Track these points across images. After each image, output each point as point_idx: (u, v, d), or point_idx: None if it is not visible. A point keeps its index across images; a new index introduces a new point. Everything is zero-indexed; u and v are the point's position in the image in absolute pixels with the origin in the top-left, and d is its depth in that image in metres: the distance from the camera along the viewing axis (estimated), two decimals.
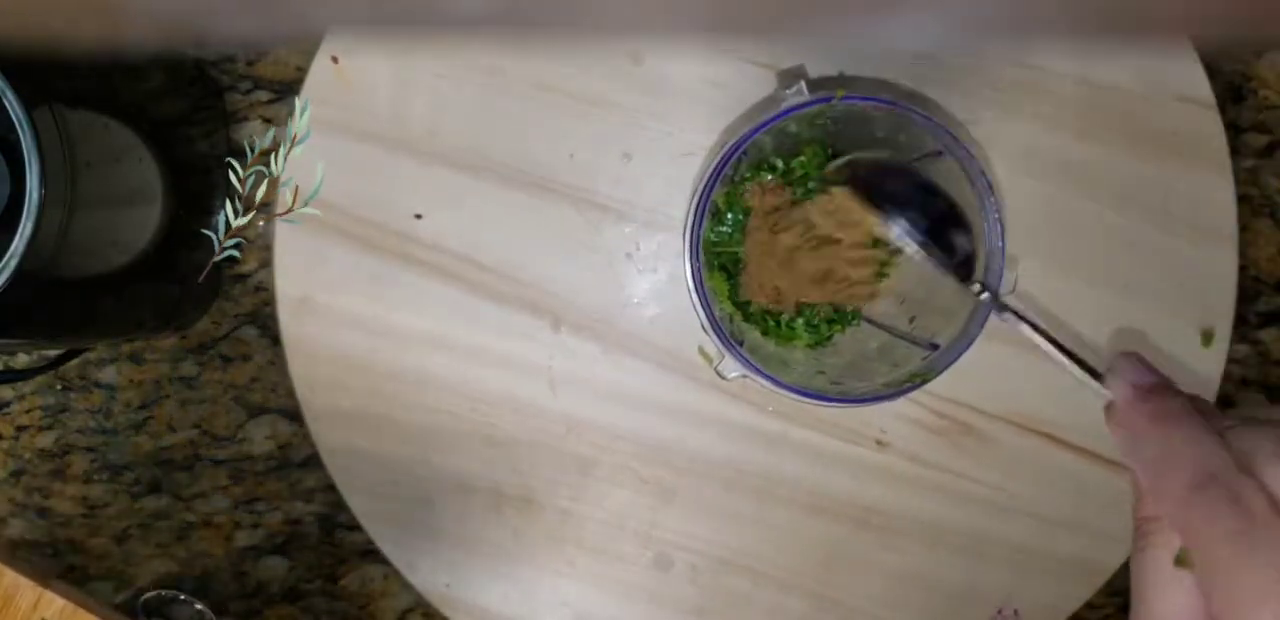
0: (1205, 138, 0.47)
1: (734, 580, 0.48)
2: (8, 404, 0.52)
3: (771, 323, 0.46)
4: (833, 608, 0.48)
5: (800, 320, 0.46)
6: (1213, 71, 0.47)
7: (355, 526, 0.49)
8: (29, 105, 0.35)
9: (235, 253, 0.46)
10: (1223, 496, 0.28)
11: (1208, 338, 0.47)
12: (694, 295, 0.40)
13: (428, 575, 0.48)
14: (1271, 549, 0.26)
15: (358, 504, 0.47)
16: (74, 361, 0.51)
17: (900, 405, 0.47)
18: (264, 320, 0.51)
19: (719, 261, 0.46)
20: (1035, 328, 0.38)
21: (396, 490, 0.47)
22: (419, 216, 0.47)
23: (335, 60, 0.46)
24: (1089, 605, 0.48)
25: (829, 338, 0.46)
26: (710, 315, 0.40)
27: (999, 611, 0.48)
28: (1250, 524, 0.27)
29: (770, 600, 0.48)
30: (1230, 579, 0.27)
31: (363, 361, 0.47)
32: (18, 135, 0.35)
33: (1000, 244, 0.40)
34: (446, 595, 0.48)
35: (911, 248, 0.40)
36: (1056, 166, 0.47)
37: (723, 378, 0.40)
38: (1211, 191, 0.47)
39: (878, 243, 0.44)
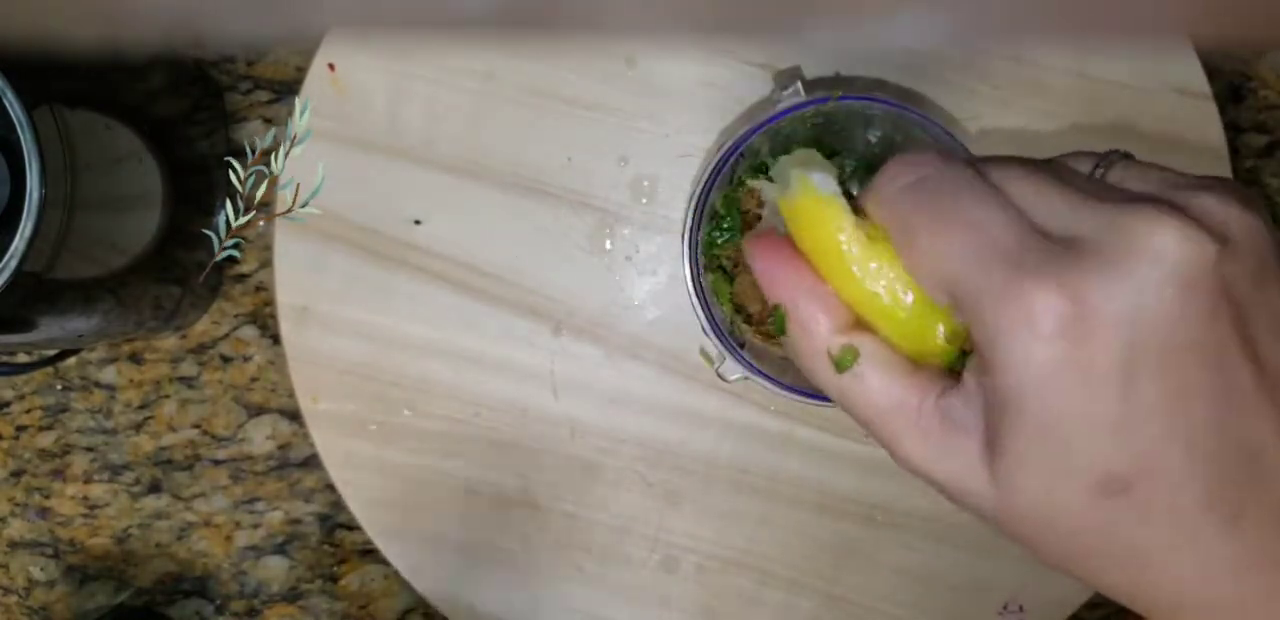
0: (1203, 130, 0.47)
1: (742, 580, 0.48)
2: (8, 404, 0.52)
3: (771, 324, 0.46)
4: (841, 605, 0.48)
5: None
6: (1213, 71, 0.47)
7: (355, 526, 0.49)
8: (29, 105, 0.35)
9: (235, 253, 0.46)
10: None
11: None
12: (693, 298, 0.40)
13: (434, 582, 0.48)
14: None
15: (362, 512, 0.47)
16: (74, 361, 0.51)
17: None
18: (264, 320, 0.52)
19: (718, 263, 0.46)
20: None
21: (401, 498, 0.47)
22: (418, 223, 0.47)
23: (331, 68, 0.46)
24: (1089, 605, 0.48)
25: None
26: (710, 317, 0.40)
27: (1005, 607, 0.48)
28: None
29: (778, 599, 0.48)
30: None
31: (364, 369, 0.47)
32: (18, 135, 0.35)
33: None
34: (453, 602, 0.48)
35: None
36: None
37: (724, 380, 0.40)
38: None
39: None
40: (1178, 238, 0.23)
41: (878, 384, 0.27)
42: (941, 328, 0.26)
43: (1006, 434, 0.24)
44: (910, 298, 0.26)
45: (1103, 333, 0.23)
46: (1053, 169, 0.26)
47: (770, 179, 0.29)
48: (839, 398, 0.28)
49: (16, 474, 0.52)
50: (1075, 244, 0.24)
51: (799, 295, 0.27)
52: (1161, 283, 0.23)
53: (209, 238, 0.46)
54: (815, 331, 0.27)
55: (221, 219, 0.45)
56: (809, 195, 0.27)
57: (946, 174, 0.26)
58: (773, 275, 0.28)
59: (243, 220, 0.45)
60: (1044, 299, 0.23)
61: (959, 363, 0.27)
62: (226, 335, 0.52)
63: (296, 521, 0.52)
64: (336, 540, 0.52)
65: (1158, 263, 0.23)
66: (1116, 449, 0.23)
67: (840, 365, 0.27)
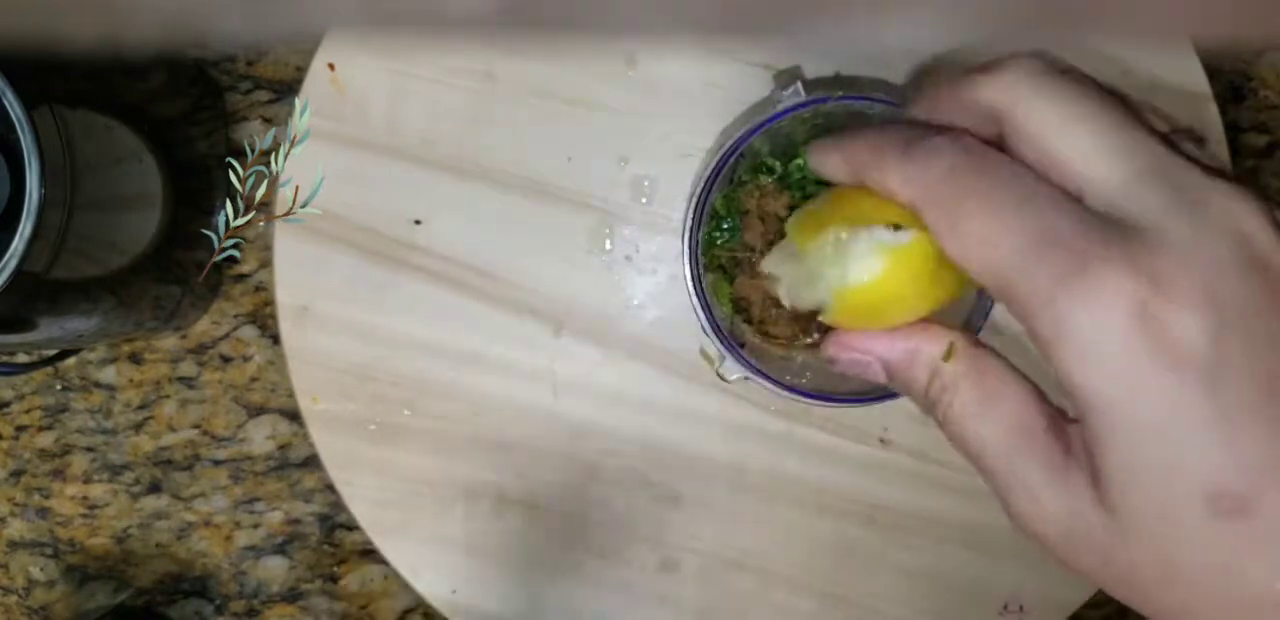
0: (1203, 130, 0.47)
1: (742, 581, 0.48)
2: (8, 404, 0.52)
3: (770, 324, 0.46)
4: (841, 606, 0.48)
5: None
6: (1213, 71, 0.47)
7: (355, 526, 0.49)
8: (29, 105, 0.35)
9: (235, 253, 0.46)
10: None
11: None
12: (694, 298, 0.40)
13: (433, 582, 0.47)
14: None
15: (362, 512, 0.47)
16: (73, 361, 0.51)
17: (903, 403, 0.47)
18: (264, 320, 0.52)
19: (718, 263, 0.46)
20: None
21: (401, 498, 0.47)
22: (418, 223, 0.47)
23: (331, 68, 0.46)
24: (1090, 605, 0.48)
25: None
26: (710, 318, 0.40)
27: (1005, 607, 0.48)
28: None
29: (779, 600, 0.48)
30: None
31: (364, 369, 0.47)
32: (18, 135, 0.35)
33: None
34: (453, 602, 0.47)
35: None
36: None
37: (724, 380, 0.40)
38: None
39: None
40: (1263, 219, 0.21)
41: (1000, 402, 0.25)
42: None
43: (1101, 448, 0.21)
44: None
45: (1184, 317, 0.20)
46: (1121, 107, 0.23)
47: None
48: (957, 420, 0.26)
49: (16, 474, 0.52)
50: (1141, 221, 0.21)
51: (896, 348, 0.28)
52: (1246, 265, 0.20)
53: (209, 238, 0.46)
54: (921, 359, 0.27)
55: (221, 219, 0.45)
56: (892, 256, 0.28)
57: (985, 156, 0.23)
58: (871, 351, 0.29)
59: (243, 220, 0.45)
60: (1115, 281, 0.20)
61: None
62: (226, 335, 0.52)
63: (296, 522, 0.52)
64: (336, 540, 0.52)
65: (1242, 244, 0.20)
66: (1222, 456, 0.20)
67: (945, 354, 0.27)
